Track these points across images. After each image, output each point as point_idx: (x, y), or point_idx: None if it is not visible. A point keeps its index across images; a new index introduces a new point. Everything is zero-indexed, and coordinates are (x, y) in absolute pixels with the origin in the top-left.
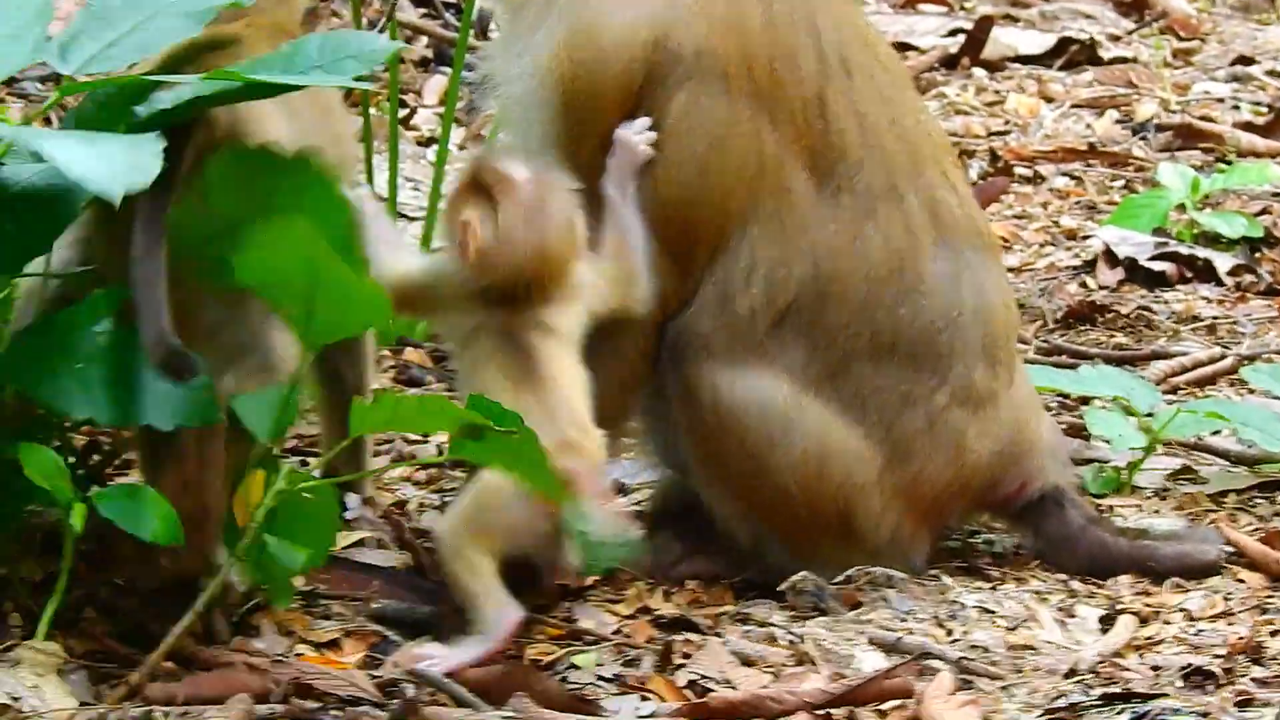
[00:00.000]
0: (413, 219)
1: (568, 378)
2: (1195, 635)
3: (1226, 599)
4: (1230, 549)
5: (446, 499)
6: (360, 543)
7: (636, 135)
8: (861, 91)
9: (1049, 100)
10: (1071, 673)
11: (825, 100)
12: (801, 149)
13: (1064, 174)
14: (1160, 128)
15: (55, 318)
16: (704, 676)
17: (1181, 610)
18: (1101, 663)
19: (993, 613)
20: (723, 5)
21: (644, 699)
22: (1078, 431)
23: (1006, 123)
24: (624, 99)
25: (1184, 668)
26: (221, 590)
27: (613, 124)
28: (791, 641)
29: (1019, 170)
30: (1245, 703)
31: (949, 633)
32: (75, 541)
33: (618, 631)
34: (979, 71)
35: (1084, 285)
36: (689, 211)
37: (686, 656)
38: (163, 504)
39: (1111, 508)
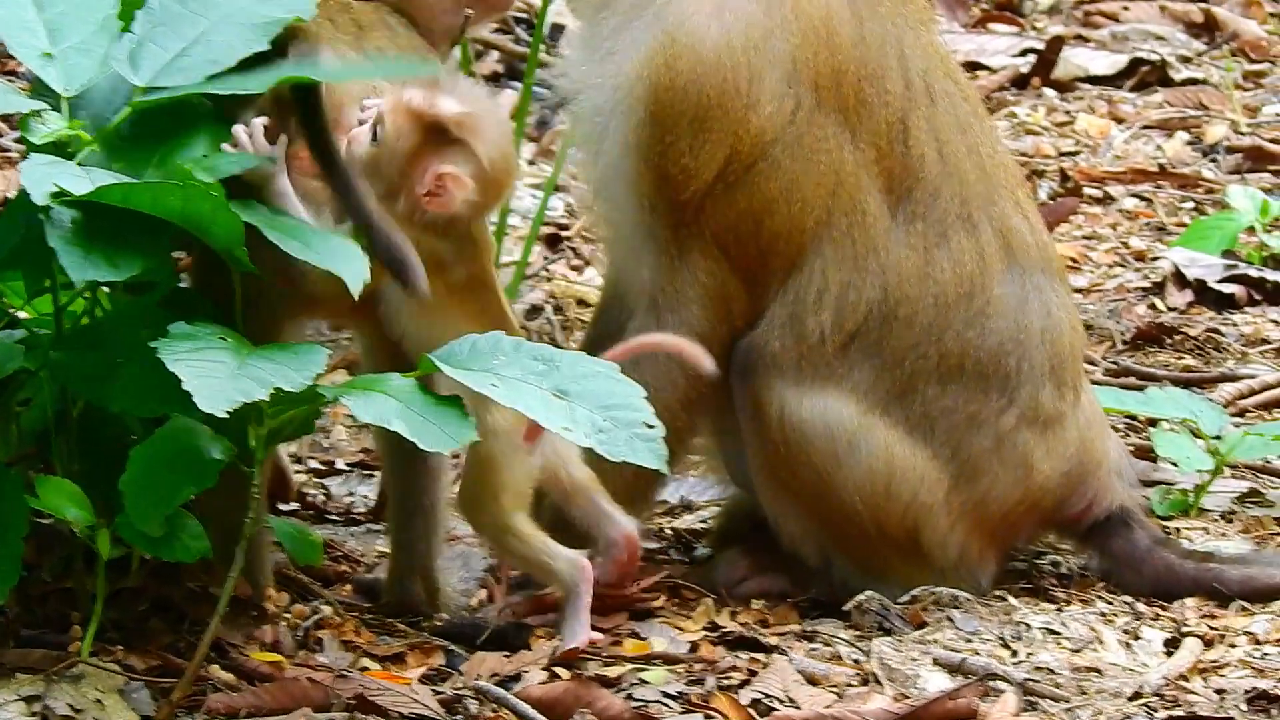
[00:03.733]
0: None
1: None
2: (1260, 659)
3: None
4: None
5: None
6: None
7: None
8: (943, 119)
9: (1119, 121)
10: (1136, 695)
11: (908, 125)
12: (880, 170)
13: (1134, 195)
14: (1230, 150)
15: (102, 319)
16: (768, 695)
17: (1247, 634)
18: (1166, 685)
19: (1058, 634)
20: (818, 18)
21: (708, 717)
22: (1145, 453)
23: (1076, 143)
24: (725, 105)
25: (1249, 691)
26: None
27: (708, 133)
28: (856, 660)
29: (1089, 191)
30: None
31: (1014, 653)
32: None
33: (684, 649)
34: (1049, 92)
35: (1153, 307)
36: (765, 223)
37: (752, 674)
38: (190, 522)
39: (1178, 530)
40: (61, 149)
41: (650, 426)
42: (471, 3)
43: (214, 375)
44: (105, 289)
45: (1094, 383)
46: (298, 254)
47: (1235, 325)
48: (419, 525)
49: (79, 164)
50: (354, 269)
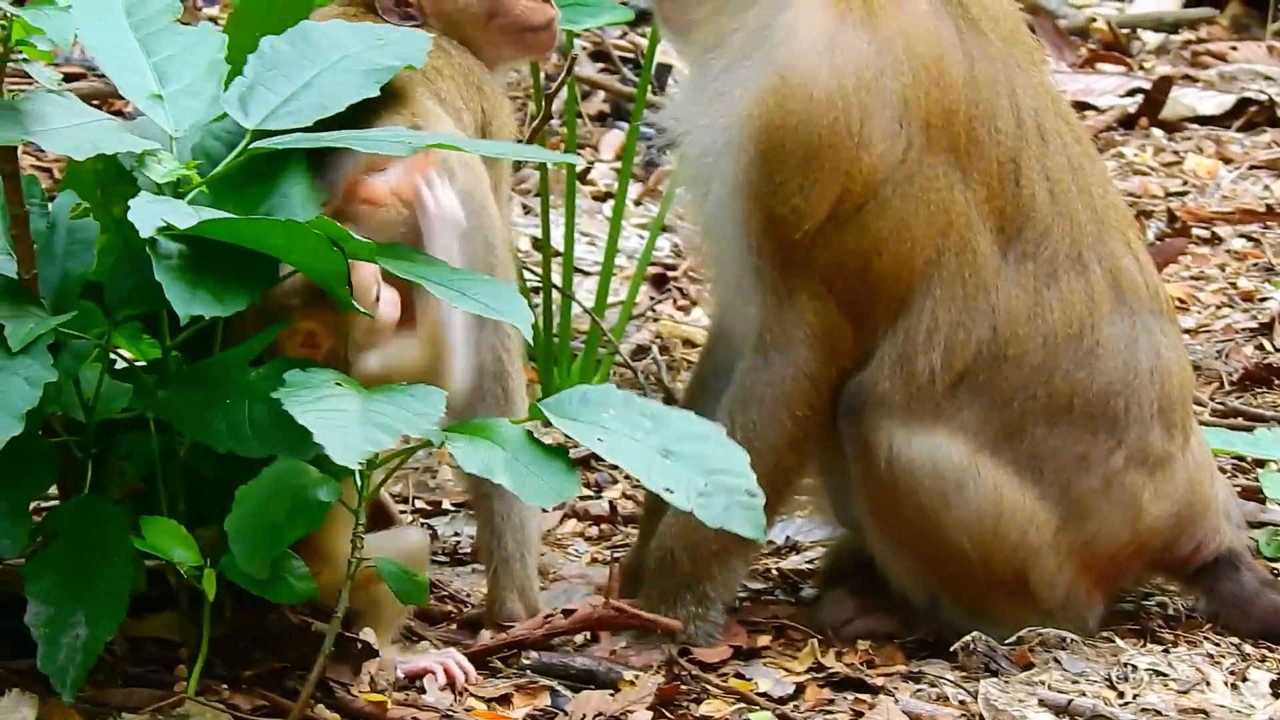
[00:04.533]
0: (588, 274)
1: None
2: None
3: None
4: None
5: (618, 553)
6: None
7: None
8: (1054, 159)
9: (1227, 161)
10: None
11: (1019, 164)
12: (991, 210)
13: (1241, 235)
14: None
15: (210, 358)
16: None
17: None
18: None
19: (1165, 675)
20: (929, 58)
21: None
22: (1253, 494)
23: (1184, 183)
24: (836, 144)
25: None
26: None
27: (819, 172)
28: (963, 701)
29: (1196, 231)
30: None
31: (1120, 695)
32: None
33: (789, 690)
34: (1157, 132)
35: (1260, 348)
36: (874, 263)
37: (858, 715)
38: (295, 562)
39: None
40: (172, 189)
41: (752, 495)
42: (514, 42)
43: (342, 425)
44: None
45: (1201, 423)
46: (456, 303)
47: None
48: (510, 544)
49: (189, 204)
50: (519, 314)
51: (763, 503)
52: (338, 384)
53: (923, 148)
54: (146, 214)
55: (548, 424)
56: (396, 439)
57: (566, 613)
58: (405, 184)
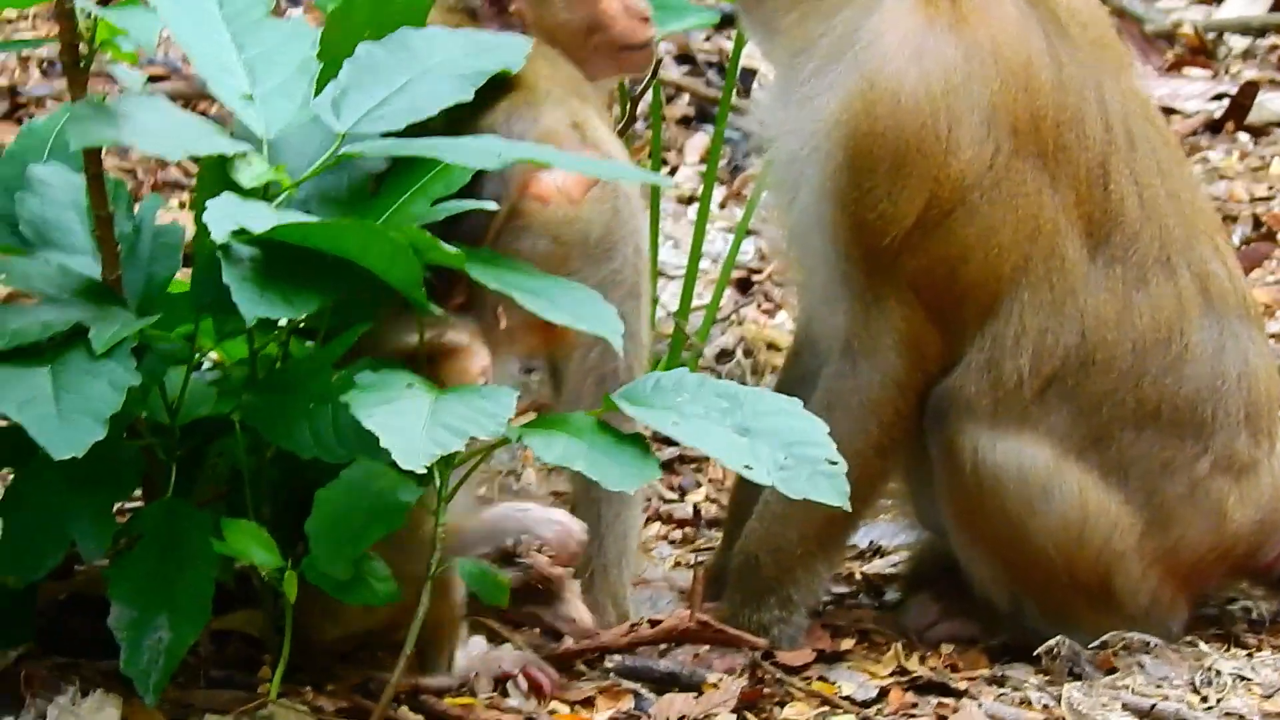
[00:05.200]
0: (672, 277)
1: None
2: None
3: None
4: None
5: (702, 557)
6: None
7: None
8: (1143, 163)
9: None
10: None
11: (1108, 169)
12: (1080, 215)
13: None
14: None
15: (291, 364)
16: None
17: None
18: None
19: (1248, 680)
20: (1017, 63)
21: None
22: None
23: (1270, 188)
24: (924, 150)
25: None
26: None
27: (907, 178)
28: (1047, 706)
29: None
30: None
31: (1204, 699)
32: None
33: (873, 693)
34: (1243, 136)
35: None
36: (962, 270)
37: (941, 719)
38: (376, 564)
39: None
40: (261, 192)
41: (833, 463)
42: (611, 59)
43: (408, 429)
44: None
45: None
46: (545, 314)
47: None
48: (611, 551)
49: (277, 207)
50: (609, 325)
51: (844, 470)
52: (408, 385)
53: (1011, 153)
54: (222, 216)
55: None
56: (464, 442)
57: (653, 623)
58: (572, 182)
